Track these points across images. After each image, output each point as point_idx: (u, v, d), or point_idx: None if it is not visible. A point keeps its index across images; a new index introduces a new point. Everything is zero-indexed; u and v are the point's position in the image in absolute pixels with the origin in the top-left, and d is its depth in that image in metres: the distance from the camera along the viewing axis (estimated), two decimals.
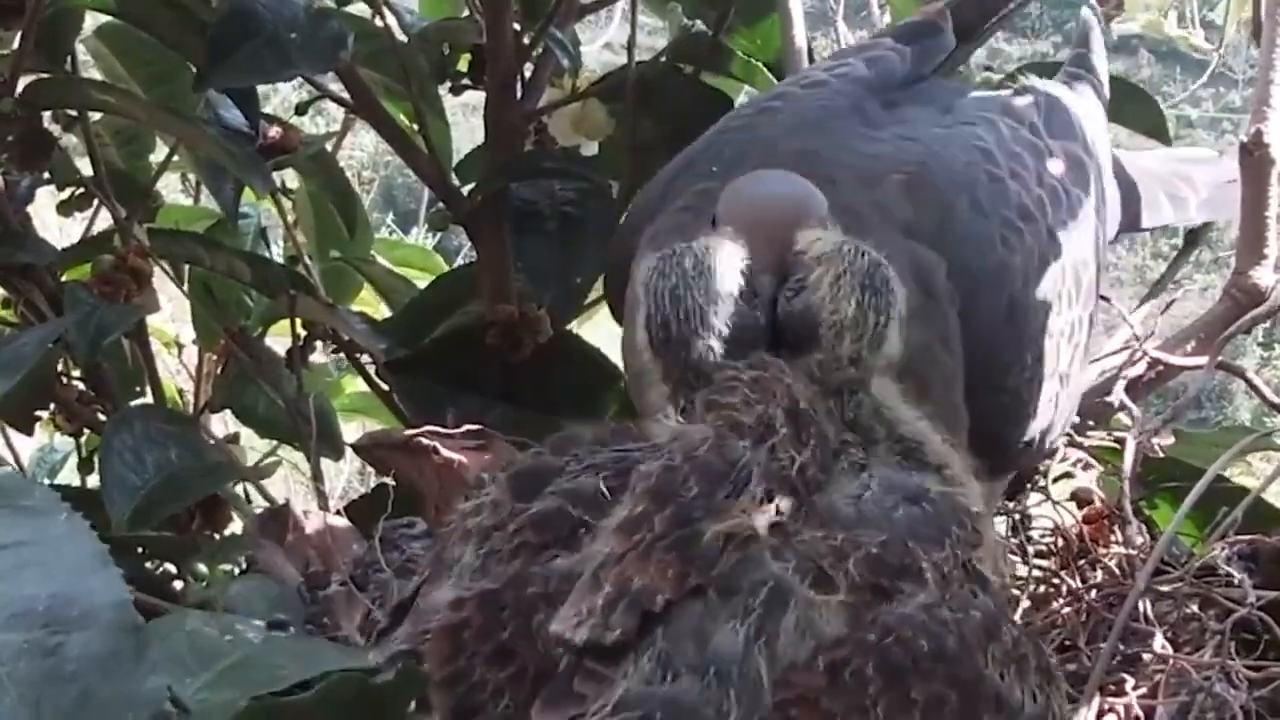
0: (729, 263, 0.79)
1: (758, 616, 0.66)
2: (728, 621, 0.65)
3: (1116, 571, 1.07)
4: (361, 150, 4.47)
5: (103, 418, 1.29)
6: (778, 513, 0.70)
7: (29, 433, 1.37)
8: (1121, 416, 1.20)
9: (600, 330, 1.53)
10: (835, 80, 1.09)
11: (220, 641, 0.74)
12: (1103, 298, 1.12)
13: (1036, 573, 1.14)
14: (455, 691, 0.72)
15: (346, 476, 2.12)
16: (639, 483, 0.70)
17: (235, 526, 1.23)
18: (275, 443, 1.39)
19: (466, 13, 1.31)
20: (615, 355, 1.28)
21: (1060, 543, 1.13)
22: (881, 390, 0.79)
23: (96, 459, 1.15)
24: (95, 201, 1.32)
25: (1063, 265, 1.01)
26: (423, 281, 1.47)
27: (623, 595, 0.65)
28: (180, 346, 1.59)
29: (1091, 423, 1.21)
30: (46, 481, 1.51)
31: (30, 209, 1.30)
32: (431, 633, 0.73)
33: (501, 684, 0.71)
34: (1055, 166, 1.05)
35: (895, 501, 0.74)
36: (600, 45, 1.66)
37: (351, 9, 1.30)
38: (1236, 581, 0.96)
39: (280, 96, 2.11)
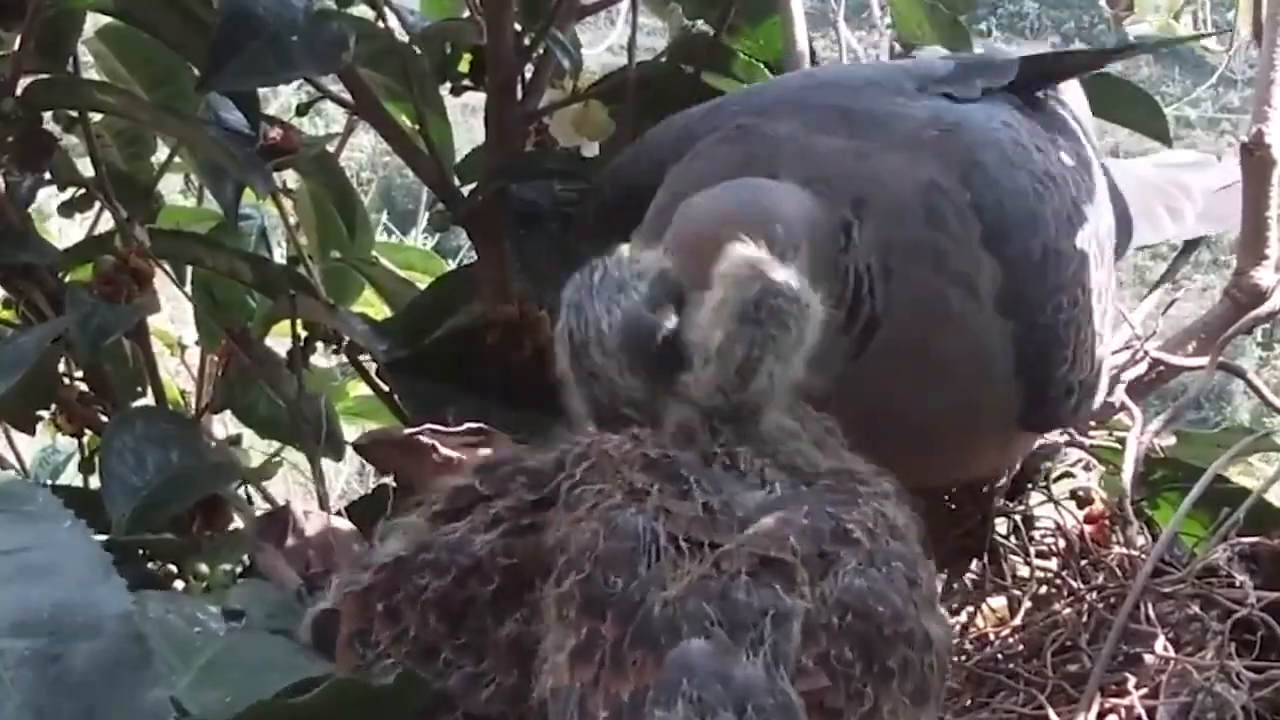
0: (641, 274, 0.80)
1: (770, 644, 0.66)
2: (744, 655, 0.66)
3: (1117, 572, 1.07)
4: (360, 151, 4.47)
5: (104, 418, 1.29)
6: (709, 545, 0.70)
7: (30, 433, 1.37)
8: (1122, 416, 1.20)
9: None
10: (879, 68, 1.10)
11: (189, 634, 0.74)
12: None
13: (1038, 573, 1.14)
14: (355, 649, 0.76)
15: (346, 477, 2.13)
16: (563, 607, 0.70)
17: (236, 527, 1.23)
18: (276, 444, 1.39)
19: (467, 13, 1.31)
20: None
21: (1061, 543, 1.13)
22: (780, 422, 0.77)
23: (97, 460, 1.15)
24: (96, 202, 1.32)
25: (1090, 232, 1.02)
26: (423, 282, 1.47)
27: (619, 712, 0.65)
28: (183, 348, 1.59)
29: (1092, 422, 1.21)
30: (49, 482, 1.51)
31: (31, 209, 1.30)
32: (347, 595, 0.78)
33: (387, 644, 0.76)
34: (1068, 154, 1.06)
35: (795, 484, 0.74)
36: (601, 47, 1.66)
37: (352, 10, 1.30)
38: (1238, 582, 0.96)
39: (281, 99, 2.11)
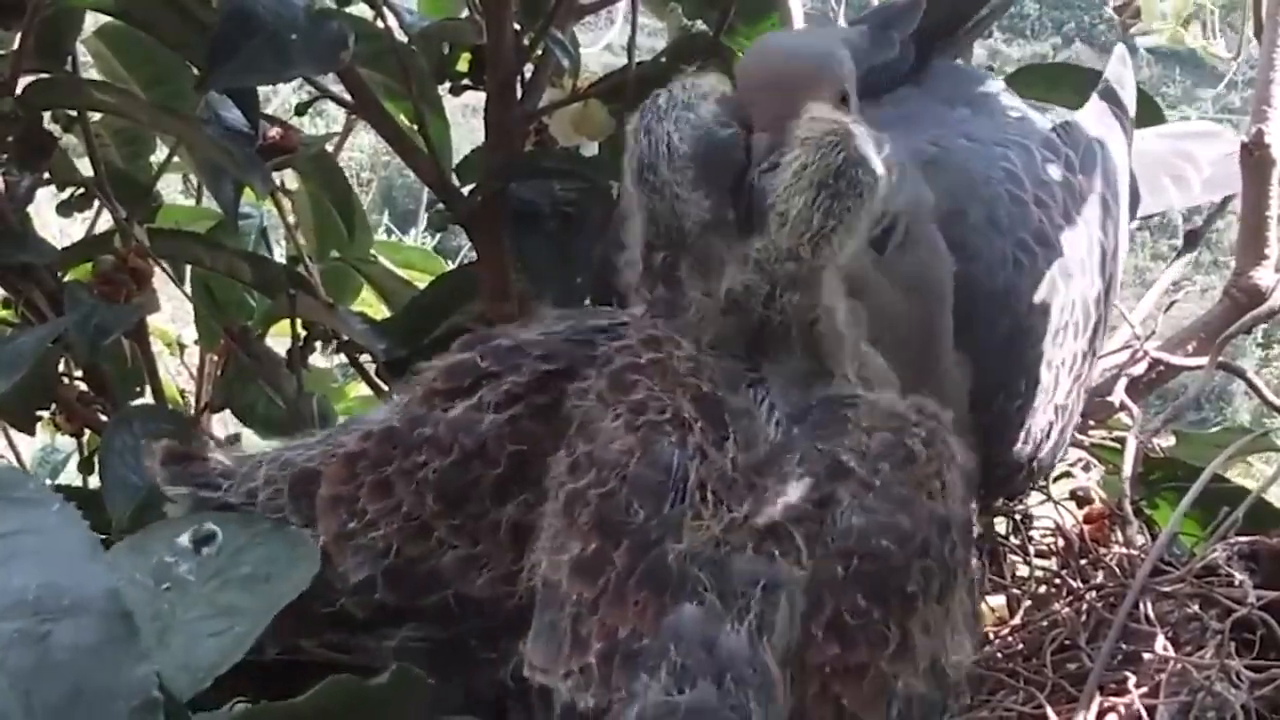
0: (706, 95, 0.80)
1: (756, 613, 0.67)
2: (729, 623, 0.66)
3: (1117, 571, 1.07)
4: (360, 151, 4.47)
5: (104, 418, 1.29)
6: (726, 507, 0.70)
7: (30, 432, 1.37)
8: (1122, 416, 1.20)
9: None
10: None
11: (159, 595, 0.74)
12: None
13: (1037, 572, 1.14)
14: (338, 513, 0.77)
15: None
16: (574, 508, 0.70)
17: None
18: (276, 443, 1.39)
19: (466, 13, 1.31)
20: None
21: (1061, 542, 1.13)
22: (828, 289, 0.77)
23: (97, 459, 1.15)
24: (95, 202, 1.32)
25: (1074, 298, 1.00)
26: (423, 282, 1.47)
27: (613, 650, 0.66)
28: (182, 347, 1.59)
29: (1092, 422, 1.21)
30: (48, 482, 1.51)
31: (30, 209, 1.30)
32: (335, 456, 0.78)
33: (375, 515, 0.76)
34: (1080, 202, 1.04)
35: (796, 416, 0.74)
36: (601, 47, 1.66)
37: (352, 9, 1.30)
38: (1237, 582, 0.96)
39: (280, 98, 2.11)
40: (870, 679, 0.67)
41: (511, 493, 0.76)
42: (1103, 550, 1.11)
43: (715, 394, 0.74)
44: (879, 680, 0.67)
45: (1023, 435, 0.97)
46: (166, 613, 0.72)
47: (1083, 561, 1.10)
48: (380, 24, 1.25)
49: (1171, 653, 0.95)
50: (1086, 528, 1.14)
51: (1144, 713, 0.92)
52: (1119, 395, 1.19)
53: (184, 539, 0.78)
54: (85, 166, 1.32)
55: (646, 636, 0.65)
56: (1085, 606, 1.05)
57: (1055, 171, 1.03)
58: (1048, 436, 1.00)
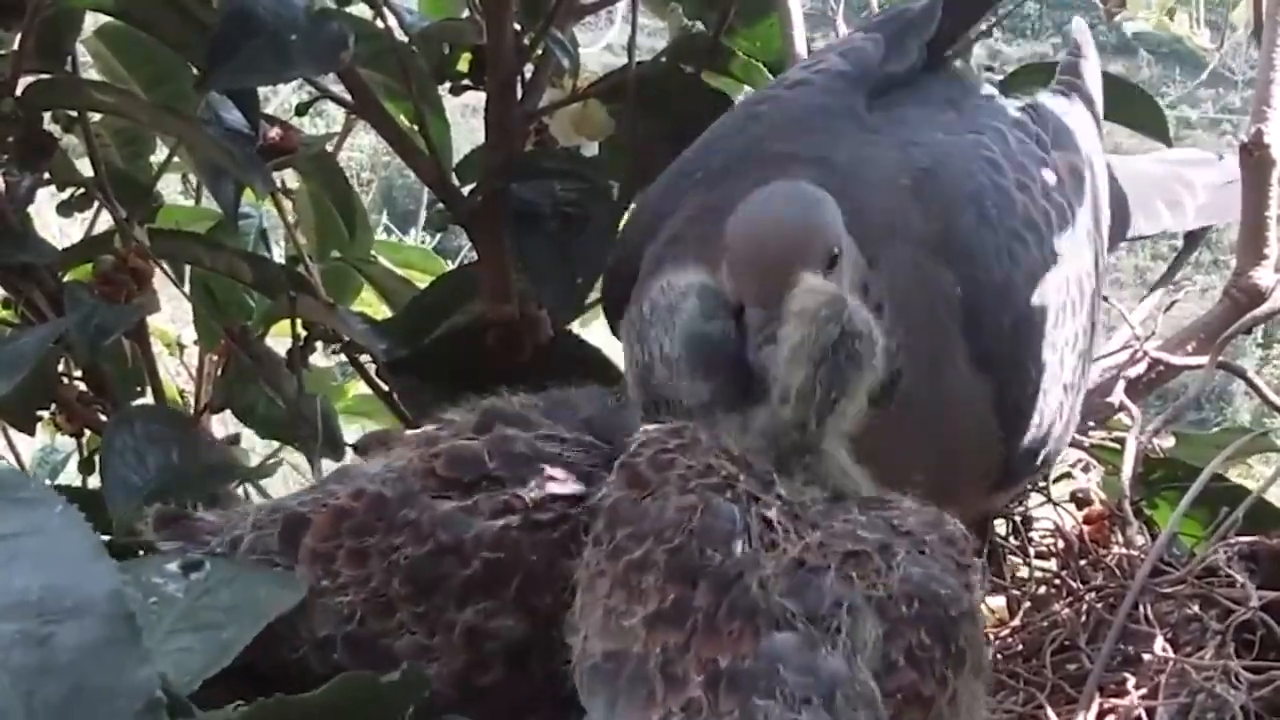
0: (685, 293, 0.81)
1: (846, 634, 0.68)
2: (824, 647, 0.67)
3: (1116, 572, 1.07)
4: (360, 151, 4.47)
5: (104, 418, 1.29)
6: (796, 539, 0.71)
7: (30, 433, 1.37)
8: (1122, 416, 1.20)
9: (601, 331, 1.53)
10: (818, 78, 1.08)
11: (145, 608, 0.74)
12: (1103, 298, 1.12)
13: (1037, 573, 1.14)
14: (315, 568, 0.78)
15: None
16: (634, 577, 0.70)
17: None
18: (276, 443, 1.39)
19: (467, 13, 1.31)
20: (616, 355, 1.28)
21: (1061, 543, 1.13)
22: (834, 452, 0.79)
23: (97, 459, 1.15)
24: (95, 202, 1.32)
25: (1067, 276, 1.00)
26: (423, 282, 1.47)
27: (718, 676, 0.66)
28: (182, 347, 1.59)
29: (1092, 423, 1.21)
30: (48, 482, 1.51)
31: (31, 209, 1.30)
32: (326, 506, 0.79)
33: (347, 580, 0.77)
34: (1057, 178, 1.04)
35: (842, 506, 0.76)
36: (601, 47, 1.66)
37: (352, 10, 1.30)
38: (1237, 583, 0.96)
39: (280, 98, 2.11)
40: (936, 712, 0.68)
41: (473, 598, 0.76)
42: (1102, 551, 1.11)
43: (747, 460, 0.75)
44: (940, 716, 0.68)
45: (1037, 420, 0.98)
46: (153, 622, 0.72)
47: (1082, 562, 1.11)
48: (380, 24, 1.25)
49: (1171, 654, 0.95)
50: (1086, 528, 1.14)
51: (1144, 714, 0.92)
52: (1119, 396, 1.19)
53: (173, 565, 0.79)
54: (85, 167, 1.32)
55: (748, 661, 0.66)
56: (1085, 607, 1.05)
57: (1030, 150, 1.04)
58: (1061, 417, 1.01)
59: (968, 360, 0.94)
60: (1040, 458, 1.02)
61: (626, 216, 1.15)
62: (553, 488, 0.78)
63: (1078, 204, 1.05)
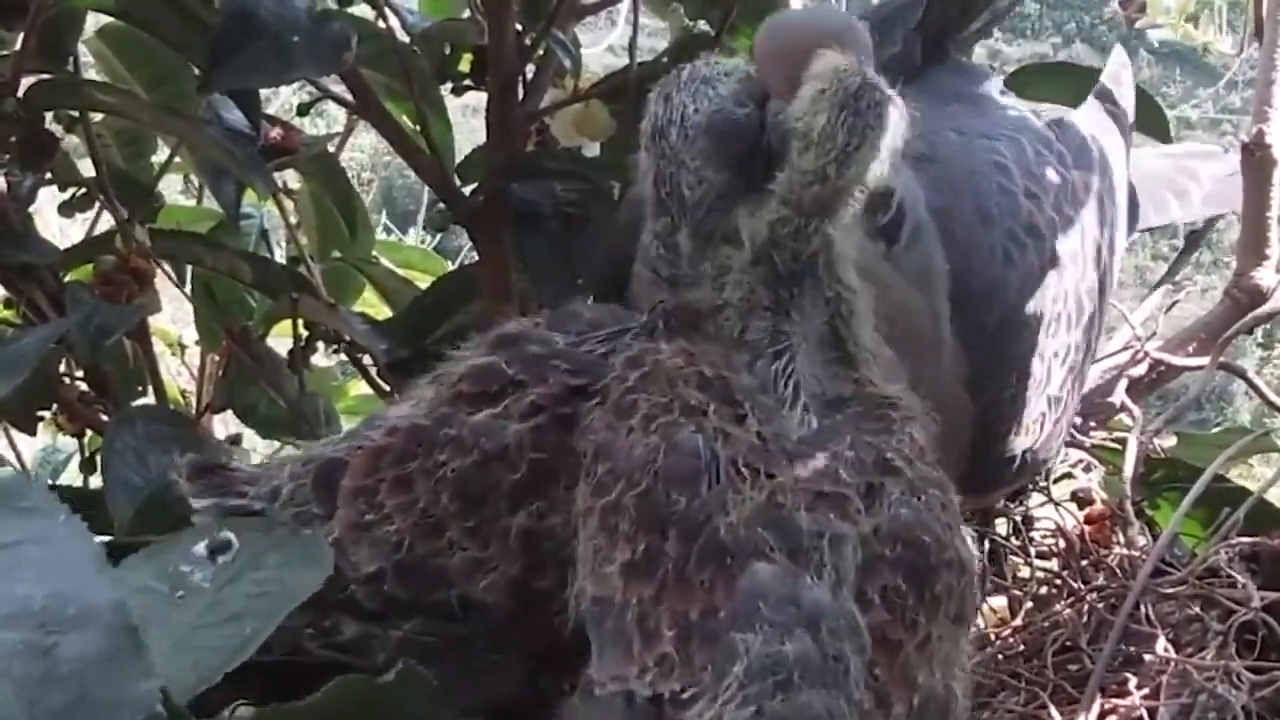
0: (729, 73, 0.80)
1: (831, 565, 0.67)
2: (807, 577, 0.66)
3: (1118, 572, 1.07)
4: (360, 151, 4.47)
5: (105, 418, 1.29)
6: (766, 474, 0.70)
7: (31, 433, 1.37)
8: (1123, 417, 1.20)
9: None
10: None
11: (171, 602, 0.73)
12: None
13: (1038, 574, 1.14)
14: (358, 504, 0.78)
15: None
16: (611, 520, 0.70)
17: None
18: (277, 443, 1.39)
19: (468, 13, 1.31)
20: None
21: (1062, 544, 1.13)
22: (842, 242, 0.77)
23: (99, 459, 1.15)
24: (97, 202, 1.32)
25: (1066, 289, 1.00)
26: (424, 282, 1.47)
27: (688, 631, 0.65)
28: (183, 347, 1.59)
29: (1093, 423, 1.21)
30: (49, 482, 1.51)
31: (32, 209, 1.30)
32: (361, 448, 0.79)
33: (392, 510, 0.77)
34: (1072, 194, 1.04)
35: (829, 411, 0.74)
36: (603, 48, 1.66)
37: (353, 10, 1.30)
38: (1240, 584, 0.96)
39: (282, 99, 2.11)
40: (903, 657, 0.67)
41: (525, 500, 0.76)
42: (1104, 551, 1.11)
43: (720, 376, 0.74)
44: (908, 662, 0.67)
45: (1014, 426, 0.97)
46: (176, 619, 0.72)
47: (1084, 562, 1.11)
48: (382, 25, 1.25)
49: (1173, 654, 0.95)
50: (1087, 529, 1.14)
51: (1145, 714, 0.92)
52: (1120, 396, 1.20)
53: (200, 548, 0.78)
54: (87, 167, 1.32)
55: (723, 609, 0.65)
56: (1086, 608, 1.05)
57: (1047, 165, 1.04)
58: (1041, 427, 1.00)
59: (952, 349, 0.93)
60: (1016, 467, 1.01)
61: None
62: (570, 381, 0.78)
63: (1091, 224, 1.04)
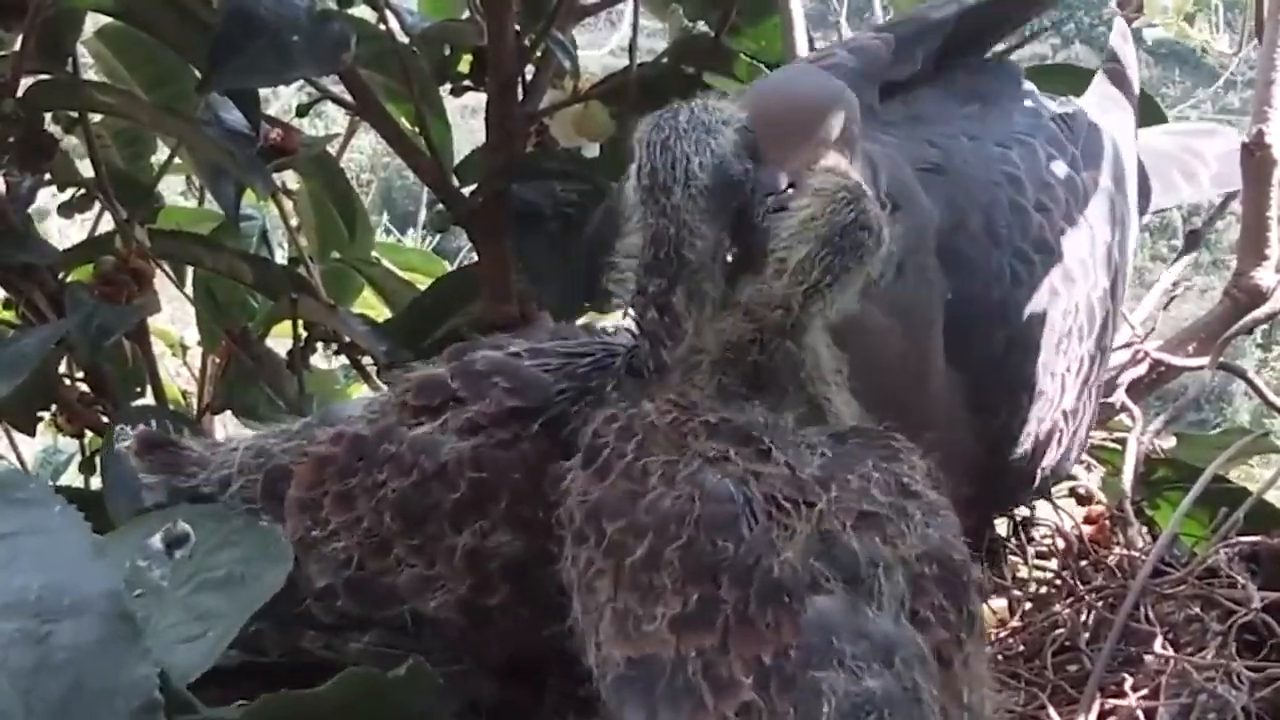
0: (727, 121, 0.78)
1: (887, 592, 0.66)
2: (869, 608, 0.66)
3: (1117, 572, 1.07)
4: (360, 153, 4.47)
5: (105, 419, 1.29)
6: (805, 504, 0.69)
7: (31, 433, 1.37)
8: (1123, 417, 1.20)
9: None
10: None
11: (132, 602, 0.73)
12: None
13: (1038, 574, 1.14)
14: (304, 519, 0.78)
15: None
16: (643, 577, 0.68)
17: None
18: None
19: (467, 14, 1.31)
20: None
21: (1061, 544, 1.13)
22: (812, 343, 0.76)
23: (98, 460, 1.15)
24: (96, 203, 1.32)
25: (1077, 301, 0.99)
26: (423, 283, 1.47)
27: (766, 676, 0.64)
28: (184, 348, 1.59)
29: (1094, 425, 1.21)
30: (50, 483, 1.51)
31: (31, 210, 1.30)
32: (306, 456, 0.79)
33: (338, 526, 0.77)
34: (1083, 198, 1.03)
35: (836, 444, 0.74)
36: (605, 51, 1.66)
37: (353, 11, 1.30)
38: (1240, 584, 0.96)
39: (281, 100, 2.11)
40: (954, 673, 0.67)
41: (468, 519, 0.76)
42: (1103, 551, 1.11)
43: (726, 420, 0.73)
44: (957, 677, 0.67)
45: (1029, 446, 0.97)
46: (141, 619, 0.71)
47: (1083, 563, 1.10)
48: (382, 25, 1.25)
49: (1172, 654, 0.95)
50: (1087, 529, 1.14)
51: (1145, 714, 0.92)
52: (1120, 396, 1.19)
53: (156, 540, 0.78)
54: (87, 168, 1.32)
55: (794, 649, 0.64)
56: (1086, 608, 1.05)
57: (1060, 169, 1.03)
58: (1057, 444, 0.99)
59: (948, 381, 0.92)
60: (1033, 483, 1.01)
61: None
62: (509, 402, 0.77)
63: (1102, 227, 1.04)
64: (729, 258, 0.77)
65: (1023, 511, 1.18)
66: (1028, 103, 1.10)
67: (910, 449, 0.75)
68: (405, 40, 1.29)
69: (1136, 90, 1.19)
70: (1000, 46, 1.21)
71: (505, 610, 0.76)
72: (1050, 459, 0.99)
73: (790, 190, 0.76)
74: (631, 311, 0.79)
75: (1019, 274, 0.96)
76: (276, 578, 0.75)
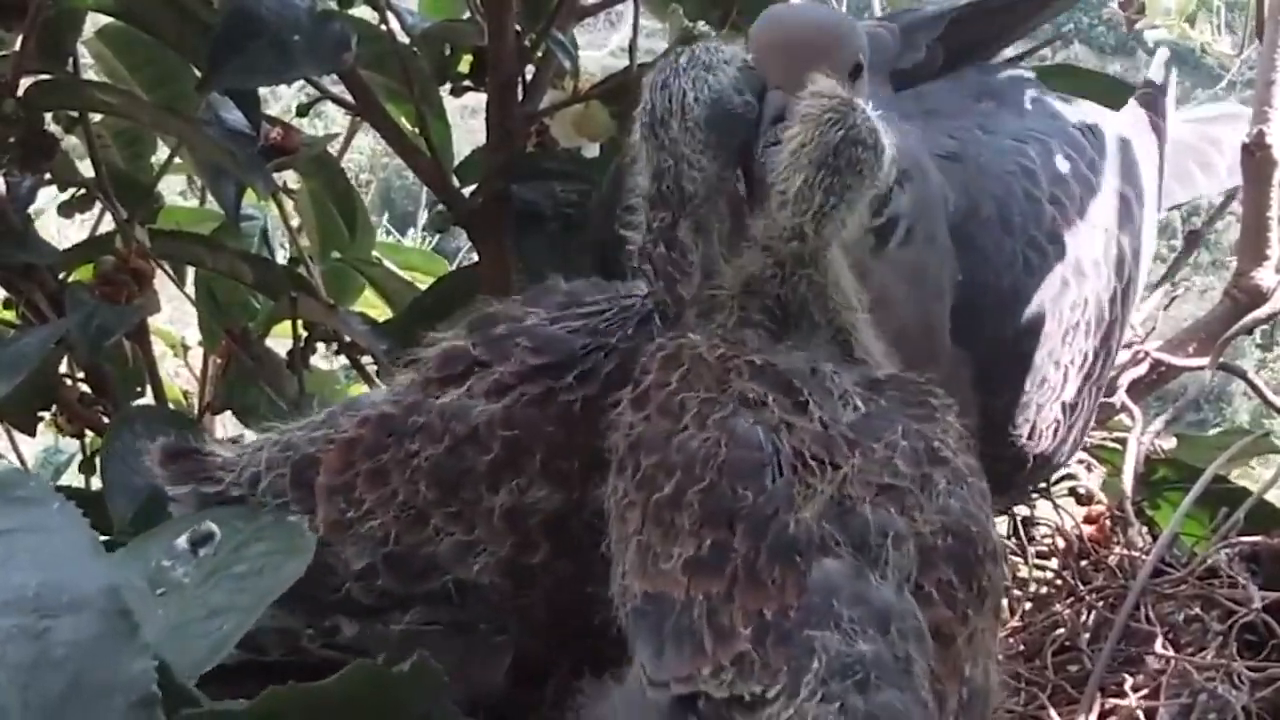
0: (729, 60, 0.79)
1: (894, 564, 0.66)
2: (874, 575, 0.66)
3: (1117, 573, 1.07)
4: (360, 153, 4.47)
5: (105, 419, 1.29)
6: (832, 464, 0.69)
7: (31, 433, 1.37)
8: (1123, 418, 1.20)
9: None
10: None
11: (151, 599, 0.74)
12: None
13: (1038, 574, 1.14)
14: (336, 502, 0.77)
15: None
16: (667, 514, 0.69)
17: None
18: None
19: (468, 14, 1.31)
20: None
21: (1061, 544, 1.13)
22: (834, 265, 0.76)
23: (99, 460, 1.15)
24: (97, 203, 1.32)
25: (1086, 296, 1.00)
26: (424, 283, 1.47)
27: (764, 630, 0.64)
28: (184, 348, 1.59)
29: (1093, 423, 1.21)
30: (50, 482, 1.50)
31: (31, 210, 1.30)
32: (334, 442, 0.79)
33: (373, 504, 0.77)
34: (1105, 206, 1.03)
35: (872, 396, 0.74)
36: (606, 51, 1.66)
37: (353, 11, 1.30)
38: (1240, 584, 0.96)
39: (282, 100, 2.11)
40: (955, 649, 0.67)
41: (503, 479, 0.76)
42: (1103, 551, 1.11)
43: (770, 363, 0.73)
44: (959, 655, 0.67)
45: (1027, 431, 0.97)
46: (160, 618, 0.72)
47: (1084, 563, 1.10)
48: (382, 25, 1.25)
49: (1172, 654, 0.95)
50: (1087, 529, 1.14)
51: (1145, 714, 0.92)
52: (1120, 396, 1.19)
53: (182, 541, 0.78)
54: (87, 168, 1.32)
55: (795, 609, 0.64)
56: (1086, 608, 1.05)
57: (1076, 169, 1.03)
58: (1054, 435, 1.00)
59: (957, 357, 0.93)
60: (1027, 471, 1.01)
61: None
62: (533, 360, 0.78)
63: (1116, 230, 1.03)
64: (742, 192, 0.78)
65: (1023, 511, 1.18)
66: (1045, 105, 1.10)
67: (946, 406, 0.75)
68: (405, 40, 1.29)
69: (1170, 116, 1.19)
70: (1012, 52, 1.21)
71: (547, 567, 0.76)
72: (1045, 447, 1.00)
73: (783, 119, 0.76)
74: (644, 250, 0.80)
75: (1031, 262, 0.96)
76: (295, 570, 0.75)
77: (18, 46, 1.18)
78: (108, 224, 1.34)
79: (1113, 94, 1.26)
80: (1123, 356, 1.23)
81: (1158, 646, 0.96)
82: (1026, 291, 0.96)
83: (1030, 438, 0.98)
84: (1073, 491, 1.18)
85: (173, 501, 0.84)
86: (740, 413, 0.70)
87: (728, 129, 0.78)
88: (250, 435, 1.40)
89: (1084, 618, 1.05)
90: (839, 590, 0.65)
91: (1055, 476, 1.18)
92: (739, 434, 0.69)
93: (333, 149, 1.51)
